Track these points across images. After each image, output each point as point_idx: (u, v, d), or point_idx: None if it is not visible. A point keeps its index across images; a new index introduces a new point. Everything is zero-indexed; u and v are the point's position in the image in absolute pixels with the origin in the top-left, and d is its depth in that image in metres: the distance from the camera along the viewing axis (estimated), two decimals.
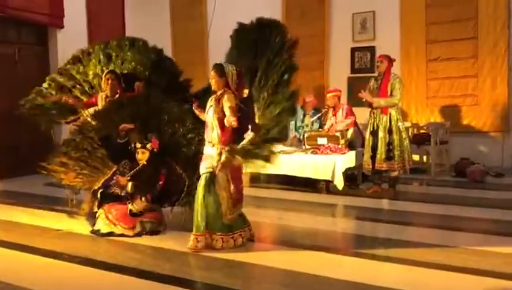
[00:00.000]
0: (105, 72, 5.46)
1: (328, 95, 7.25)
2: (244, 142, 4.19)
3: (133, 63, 5.62)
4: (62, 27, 8.68)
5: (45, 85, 5.90)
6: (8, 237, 4.72)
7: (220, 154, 4.10)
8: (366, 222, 5.29)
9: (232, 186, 4.17)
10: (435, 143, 7.66)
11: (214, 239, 4.18)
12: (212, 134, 4.15)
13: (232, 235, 4.23)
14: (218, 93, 4.15)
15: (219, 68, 4.16)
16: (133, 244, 4.42)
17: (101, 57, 5.73)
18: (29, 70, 8.46)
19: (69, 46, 8.63)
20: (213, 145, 4.16)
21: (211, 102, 4.23)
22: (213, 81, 4.17)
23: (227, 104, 4.04)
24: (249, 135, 4.20)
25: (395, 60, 6.40)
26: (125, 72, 5.59)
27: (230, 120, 3.95)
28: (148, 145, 4.72)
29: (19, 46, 8.38)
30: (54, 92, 5.77)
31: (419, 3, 8.21)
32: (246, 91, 4.47)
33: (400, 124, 6.19)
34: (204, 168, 4.17)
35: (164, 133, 4.87)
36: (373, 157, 6.25)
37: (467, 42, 7.90)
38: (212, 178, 4.12)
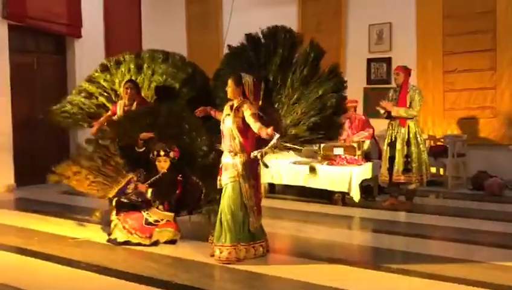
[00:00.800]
0: (125, 81, 5.52)
1: (347, 105, 7.20)
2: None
3: (164, 76, 5.69)
4: (80, 37, 8.77)
5: (74, 92, 5.97)
6: (24, 244, 4.75)
7: (244, 163, 4.09)
8: (383, 235, 5.23)
9: (256, 195, 4.19)
10: (452, 156, 7.59)
11: (238, 249, 4.15)
12: (234, 143, 4.13)
13: (254, 245, 4.23)
14: (236, 103, 4.16)
15: (236, 77, 4.19)
16: (150, 253, 4.42)
17: (131, 66, 5.80)
18: (47, 79, 8.57)
19: (86, 56, 8.81)
20: (235, 154, 4.13)
21: (227, 111, 4.24)
22: (229, 89, 4.19)
23: (248, 112, 4.03)
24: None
25: (411, 70, 6.34)
26: (155, 83, 5.67)
27: (265, 131, 3.89)
28: (171, 154, 4.74)
29: (38, 55, 8.49)
30: (82, 100, 5.91)
31: (436, 14, 8.18)
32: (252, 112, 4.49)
33: (418, 136, 6.13)
34: (227, 178, 4.14)
35: (182, 142, 4.89)
36: (390, 169, 6.19)
37: (485, 54, 7.83)
38: (237, 188, 4.11)
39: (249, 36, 5.11)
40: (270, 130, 3.83)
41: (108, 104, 5.79)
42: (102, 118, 5.61)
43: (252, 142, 4.13)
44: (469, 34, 7.89)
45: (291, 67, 4.83)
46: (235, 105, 4.16)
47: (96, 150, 5.01)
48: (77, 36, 8.74)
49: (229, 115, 4.19)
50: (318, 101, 4.77)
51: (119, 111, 5.50)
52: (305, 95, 4.74)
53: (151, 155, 4.79)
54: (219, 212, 4.17)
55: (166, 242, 4.66)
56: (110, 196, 4.87)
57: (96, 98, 5.91)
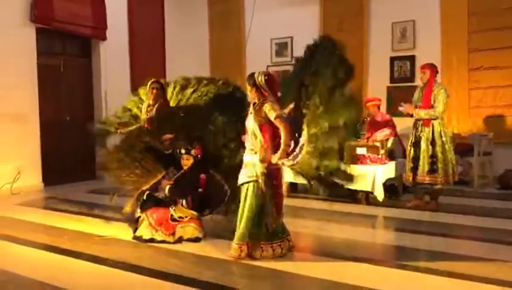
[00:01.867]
0: (150, 81, 5.60)
1: (368, 103, 7.19)
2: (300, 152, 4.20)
3: (201, 95, 5.76)
4: (105, 39, 8.92)
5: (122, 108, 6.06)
6: (53, 241, 4.87)
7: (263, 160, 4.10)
8: (407, 234, 5.17)
9: (276, 195, 4.20)
10: (478, 154, 7.47)
11: (255, 248, 4.19)
12: (255, 141, 4.16)
13: (271, 245, 4.24)
14: (257, 102, 4.19)
15: (249, 78, 4.25)
16: (175, 251, 4.48)
17: (177, 87, 5.90)
18: (73, 81, 8.75)
19: (111, 58, 8.98)
20: (255, 153, 4.16)
21: (250, 109, 4.28)
22: (249, 92, 4.28)
23: (272, 114, 4.04)
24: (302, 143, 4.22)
25: (437, 68, 6.25)
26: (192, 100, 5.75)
27: (286, 141, 3.98)
28: (193, 151, 4.86)
29: (64, 57, 8.66)
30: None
31: (461, 11, 8.06)
32: (291, 106, 4.50)
33: (443, 136, 5.97)
34: (246, 176, 4.17)
35: (208, 142, 4.97)
36: (414, 169, 6.12)
37: (511, 51, 7.69)
38: (257, 187, 4.12)
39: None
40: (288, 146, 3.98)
41: (139, 114, 5.84)
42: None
43: (271, 142, 4.13)
44: (494, 31, 7.76)
45: (324, 76, 4.60)
46: (256, 103, 4.19)
47: (137, 143, 5.13)
48: (102, 38, 8.89)
49: (251, 113, 4.23)
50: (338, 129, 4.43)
51: (143, 111, 5.60)
52: (329, 112, 4.39)
53: (175, 153, 4.90)
54: (240, 210, 4.21)
55: (190, 240, 4.72)
56: (144, 188, 4.97)
57: (130, 110, 5.97)
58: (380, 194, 6.27)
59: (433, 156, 5.97)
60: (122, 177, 5.05)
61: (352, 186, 6.34)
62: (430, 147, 5.97)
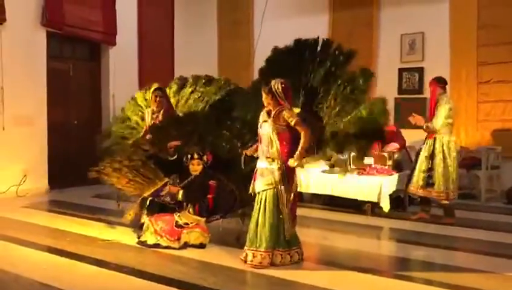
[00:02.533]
0: (152, 89, 5.60)
1: None
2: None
3: (201, 95, 5.81)
4: (114, 44, 8.98)
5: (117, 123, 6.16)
6: (56, 244, 4.88)
7: (282, 169, 4.12)
8: (412, 246, 5.13)
9: (292, 202, 4.21)
10: (486, 168, 7.42)
11: (274, 255, 4.17)
12: (271, 149, 4.16)
13: (289, 252, 4.24)
14: (273, 110, 4.18)
15: (266, 85, 4.23)
16: (179, 257, 4.46)
17: (174, 88, 5.97)
18: (82, 85, 8.80)
19: (120, 63, 9.03)
20: (272, 160, 4.15)
21: (264, 117, 4.27)
22: (263, 98, 4.26)
23: (292, 120, 4.10)
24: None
25: (440, 81, 6.18)
26: (191, 101, 5.81)
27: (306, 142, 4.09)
28: (205, 157, 4.85)
29: (74, 61, 8.73)
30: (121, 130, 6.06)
31: (470, 24, 8.04)
32: (297, 110, 4.47)
33: (446, 150, 5.89)
34: (265, 184, 4.16)
35: (221, 149, 4.95)
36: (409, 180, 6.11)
37: None
38: (274, 194, 4.13)
39: (297, 41, 5.08)
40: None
41: (141, 123, 5.86)
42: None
43: (289, 148, 4.16)
44: (504, 44, 7.72)
45: (336, 81, 4.76)
46: (273, 112, 4.19)
47: (136, 151, 5.12)
48: (112, 44, 8.95)
49: (266, 121, 4.22)
50: (359, 121, 4.76)
51: (148, 118, 5.60)
52: (346, 111, 4.70)
53: (184, 159, 4.89)
54: (254, 217, 4.19)
55: (195, 246, 4.69)
56: (146, 195, 4.96)
57: (130, 119, 6.00)
58: (385, 206, 6.23)
59: (430, 170, 5.91)
60: (123, 184, 5.03)
61: (358, 197, 6.38)
62: (429, 160, 5.92)
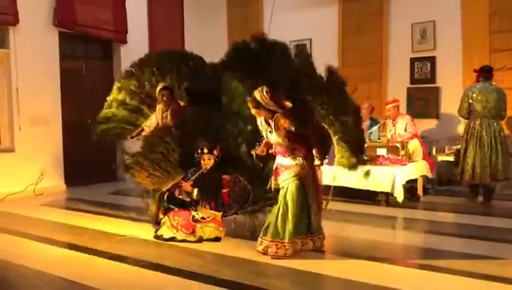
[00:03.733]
0: (159, 88, 5.61)
1: (388, 106, 7.15)
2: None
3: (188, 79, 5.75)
4: (125, 42, 9.04)
5: (105, 108, 6.15)
6: (75, 240, 4.95)
7: (304, 163, 4.19)
8: (428, 235, 5.17)
9: (316, 193, 4.31)
10: None
11: (295, 242, 4.24)
12: (289, 150, 4.21)
13: (312, 238, 4.34)
14: (271, 120, 4.19)
15: (252, 100, 4.17)
16: (195, 250, 4.51)
17: (154, 69, 5.87)
18: (95, 84, 8.86)
19: (131, 61, 9.03)
20: (294, 158, 4.21)
21: (264, 126, 4.29)
22: (253, 112, 4.25)
23: (291, 127, 4.11)
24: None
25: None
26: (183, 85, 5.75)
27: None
28: (215, 152, 4.87)
29: (86, 61, 8.81)
30: (115, 111, 6.07)
31: (483, 11, 7.95)
32: (288, 103, 4.27)
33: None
34: (288, 177, 4.20)
35: (232, 144, 4.99)
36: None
37: None
38: (300, 185, 4.17)
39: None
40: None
41: (142, 107, 5.89)
42: (147, 130, 5.73)
43: (303, 144, 4.22)
44: None
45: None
46: (271, 122, 4.19)
47: (158, 144, 5.16)
48: (123, 42, 9.01)
49: (270, 131, 4.24)
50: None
51: (158, 115, 5.66)
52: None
53: (195, 154, 4.91)
54: (277, 210, 4.22)
55: (210, 240, 4.74)
56: (164, 189, 5.02)
57: (126, 104, 5.98)
58: (400, 196, 6.23)
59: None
60: (143, 177, 5.09)
61: (372, 188, 6.37)
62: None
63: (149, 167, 5.00)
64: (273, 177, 4.38)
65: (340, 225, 5.47)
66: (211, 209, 4.82)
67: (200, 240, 4.73)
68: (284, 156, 4.26)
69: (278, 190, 4.32)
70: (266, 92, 4.09)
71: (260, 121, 4.31)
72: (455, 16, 8.17)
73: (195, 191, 4.83)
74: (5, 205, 6.68)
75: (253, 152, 4.52)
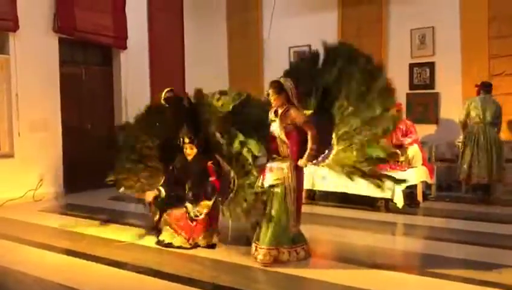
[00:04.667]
0: (165, 92, 5.48)
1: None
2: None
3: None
4: (125, 48, 9.05)
5: None
6: (73, 246, 4.93)
7: (290, 166, 4.16)
8: (427, 241, 5.16)
9: (298, 200, 4.26)
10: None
11: (281, 252, 4.20)
12: (281, 149, 4.22)
13: (296, 248, 4.27)
14: (280, 109, 4.21)
15: (277, 85, 4.22)
16: (194, 256, 4.51)
17: None
18: (94, 90, 8.88)
19: (131, 66, 9.10)
20: (282, 159, 4.21)
21: (271, 116, 4.29)
22: (272, 98, 4.24)
23: (300, 119, 4.14)
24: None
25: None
26: None
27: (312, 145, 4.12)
28: (196, 141, 4.79)
29: (86, 66, 8.82)
30: None
31: (482, 17, 7.97)
32: (307, 112, 4.44)
33: None
34: (273, 179, 4.19)
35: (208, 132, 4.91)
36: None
37: None
38: (282, 191, 4.16)
39: (311, 51, 5.03)
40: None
41: None
42: None
43: (298, 147, 4.21)
44: None
45: (348, 80, 4.44)
46: (280, 111, 4.21)
47: (136, 143, 5.19)
48: (123, 48, 9.02)
49: (274, 120, 4.25)
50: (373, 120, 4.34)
51: None
52: (361, 110, 4.34)
53: (178, 143, 4.85)
54: (266, 215, 4.22)
55: (207, 247, 4.73)
56: (159, 185, 4.96)
57: None
58: (399, 201, 6.22)
59: None
60: (133, 184, 5.10)
61: (371, 194, 6.36)
62: None
63: (137, 171, 4.98)
64: (259, 179, 4.36)
65: (340, 231, 5.47)
66: (206, 198, 4.72)
67: (195, 246, 4.71)
68: (273, 157, 4.25)
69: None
70: (291, 81, 4.22)
71: (271, 112, 4.32)
72: (454, 21, 8.19)
73: (162, 191, 4.81)
74: (4, 211, 6.66)
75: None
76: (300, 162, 4.17)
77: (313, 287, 3.79)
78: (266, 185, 4.24)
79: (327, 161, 4.34)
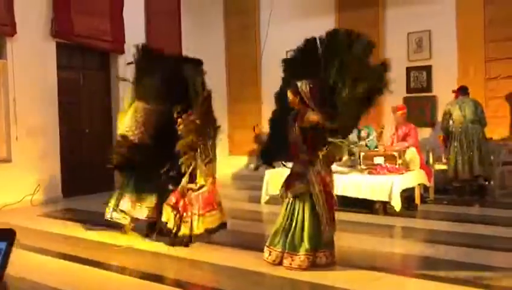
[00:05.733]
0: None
1: (399, 112, 7.24)
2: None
3: None
4: (123, 52, 9.04)
5: None
6: (71, 251, 4.92)
7: (315, 171, 4.09)
8: (426, 244, 5.16)
9: (328, 203, 4.15)
10: (497, 164, 7.38)
11: (318, 257, 4.14)
12: (303, 153, 4.17)
13: (324, 252, 4.18)
14: (300, 112, 4.19)
15: (293, 87, 4.20)
16: (193, 261, 4.49)
17: None
18: (92, 94, 8.89)
19: (129, 71, 9.06)
20: (306, 164, 4.14)
21: (291, 120, 4.27)
22: (289, 100, 4.23)
23: (315, 121, 4.07)
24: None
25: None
26: None
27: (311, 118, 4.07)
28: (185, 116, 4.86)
29: (84, 71, 8.82)
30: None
31: (478, 21, 8.03)
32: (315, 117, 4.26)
33: None
34: (299, 187, 4.12)
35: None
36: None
37: None
38: (309, 196, 4.09)
39: (307, 40, 4.74)
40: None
41: None
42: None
43: (319, 150, 4.11)
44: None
45: (349, 74, 4.34)
46: (299, 113, 4.19)
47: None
48: (120, 52, 9.02)
49: (293, 125, 4.22)
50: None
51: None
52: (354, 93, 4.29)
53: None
54: (290, 220, 4.13)
55: (216, 230, 4.77)
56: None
57: None
58: (397, 204, 6.22)
59: None
60: None
61: (369, 197, 6.38)
62: None
63: None
64: (283, 186, 4.28)
65: (338, 234, 5.40)
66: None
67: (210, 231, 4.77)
68: (298, 161, 4.20)
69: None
70: (309, 84, 4.13)
71: (292, 116, 4.27)
72: (451, 25, 8.25)
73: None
74: (1, 216, 6.64)
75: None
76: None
77: None
78: (293, 194, 4.15)
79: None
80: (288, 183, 4.23)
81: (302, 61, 4.63)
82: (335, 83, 4.34)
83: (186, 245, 4.76)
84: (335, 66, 4.36)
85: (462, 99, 7.30)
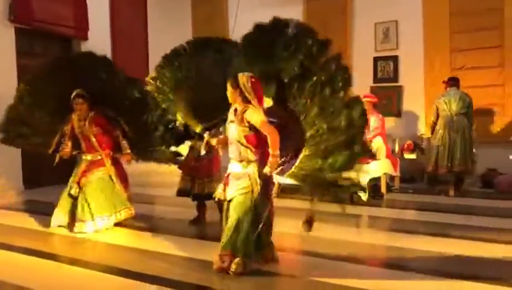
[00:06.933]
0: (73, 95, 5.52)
1: (364, 99, 7.17)
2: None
3: None
4: (86, 39, 8.80)
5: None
6: (34, 245, 4.75)
7: (258, 172, 3.79)
8: (392, 233, 5.22)
9: (268, 206, 3.91)
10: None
11: (250, 261, 3.88)
12: (244, 152, 3.83)
13: (262, 253, 3.99)
14: (238, 108, 3.83)
15: (233, 79, 3.82)
16: (160, 253, 4.42)
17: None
18: None
19: None
20: (247, 163, 3.84)
21: (230, 116, 3.92)
22: (228, 93, 3.85)
23: (257, 121, 3.72)
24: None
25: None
26: None
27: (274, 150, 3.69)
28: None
29: (45, 58, 8.50)
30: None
31: (443, 11, 8.13)
32: (268, 100, 4.01)
33: None
34: (237, 188, 3.82)
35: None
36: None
37: (493, 51, 7.77)
38: (250, 198, 3.79)
39: (276, 20, 4.31)
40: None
41: None
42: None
43: (264, 148, 3.80)
44: (477, 31, 7.84)
45: (311, 77, 3.88)
46: (238, 110, 3.82)
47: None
48: (84, 38, 8.76)
49: (233, 122, 3.87)
50: (344, 113, 3.82)
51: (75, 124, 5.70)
52: (325, 114, 3.85)
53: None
54: (232, 221, 3.83)
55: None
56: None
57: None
58: (364, 194, 6.27)
59: None
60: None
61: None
62: None
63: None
64: (220, 186, 3.99)
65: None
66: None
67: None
68: (236, 161, 3.88)
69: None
70: (250, 77, 3.76)
71: (231, 111, 3.94)
72: (416, 15, 8.33)
73: None
74: None
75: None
76: (266, 170, 3.73)
77: (280, 282, 3.78)
78: (231, 196, 3.86)
79: (292, 169, 3.93)
80: (226, 184, 3.95)
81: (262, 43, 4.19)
82: (290, 85, 3.94)
83: None
84: (293, 66, 3.93)
85: (450, 92, 7.14)
